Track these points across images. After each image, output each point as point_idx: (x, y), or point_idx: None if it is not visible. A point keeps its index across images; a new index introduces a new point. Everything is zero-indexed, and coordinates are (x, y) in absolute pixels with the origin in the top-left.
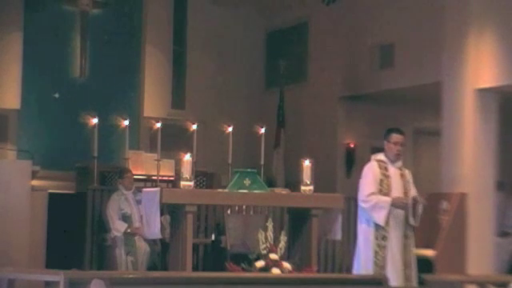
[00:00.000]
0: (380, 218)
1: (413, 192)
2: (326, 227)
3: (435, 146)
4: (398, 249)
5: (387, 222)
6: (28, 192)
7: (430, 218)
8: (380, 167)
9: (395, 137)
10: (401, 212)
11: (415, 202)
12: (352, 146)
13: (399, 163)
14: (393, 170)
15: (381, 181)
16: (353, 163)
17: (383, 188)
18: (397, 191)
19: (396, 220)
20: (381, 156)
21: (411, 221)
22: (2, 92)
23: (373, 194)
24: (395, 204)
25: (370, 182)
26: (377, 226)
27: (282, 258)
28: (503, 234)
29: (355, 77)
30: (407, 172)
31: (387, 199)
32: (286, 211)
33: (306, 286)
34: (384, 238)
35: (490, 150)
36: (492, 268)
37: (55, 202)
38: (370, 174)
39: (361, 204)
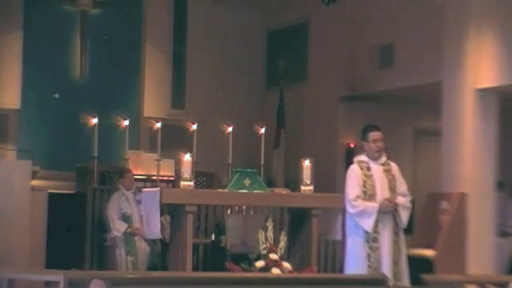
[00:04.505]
0: (368, 224)
1: (402, 186)
2: (325, 227)
3: (435, 146)
4: (387, 248)
5: (376, 224)
6: (28, 192)
7: (430, 218)
8: (362, 168)
9: (373, 135)
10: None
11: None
12: (352, 146)
13: (382, 159)
14: (376, 168)
15: (364, 182)
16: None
17: (367, 189)
18: (382, 189)
19: (385, 220)
20: (362, 157)
21: (399, 223)
22: (2, 92)
23: (358, 197)
24: (383, 209)
25: (353, 185)
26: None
27: (282, 258)
28: (503, 233)
29: (355, 77)
30: (393, 166)
31: (375, 205)
32: (286, 211)
33: (305, 286)
34: (375, 239)
35: (490, 150)
36: (492, 268)
37: (55, 201)
38: (353, 177)
39: (348, 210)
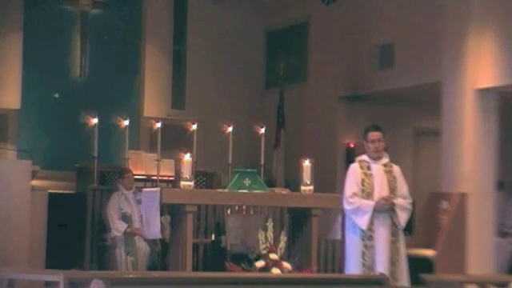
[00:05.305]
0: (362, 222)
1: (402, 188)
2: (325, 227)
3: (435, 146)
4: (384, 247)
5: (372, 222)
6: (28, 192)
7: (430, 218)
8: (362, 167)
9: (371, 134)
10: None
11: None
12: (352, 145)
13: (384, 160)
14: (376, 168)
15: (362, 180)
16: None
17: (365, 188)
18: (381, 189)
19: (381, 219)
20: (364, 157)
21: (396, 224)
22: (2, 92)
23: (354, 194)
24: (378, 208)
25: (351, 183)
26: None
27: (282, 258)
28: (503, 233)
29: (355, 77)
30: (395, 168)
31: (370, 203)
32: (286, 211)
33: (305, 286)
34: (370, 237)
35: (490, 150)
36: (492, 268)
37: (55, 202)
38: (352, 175)
39: (345, 206)
